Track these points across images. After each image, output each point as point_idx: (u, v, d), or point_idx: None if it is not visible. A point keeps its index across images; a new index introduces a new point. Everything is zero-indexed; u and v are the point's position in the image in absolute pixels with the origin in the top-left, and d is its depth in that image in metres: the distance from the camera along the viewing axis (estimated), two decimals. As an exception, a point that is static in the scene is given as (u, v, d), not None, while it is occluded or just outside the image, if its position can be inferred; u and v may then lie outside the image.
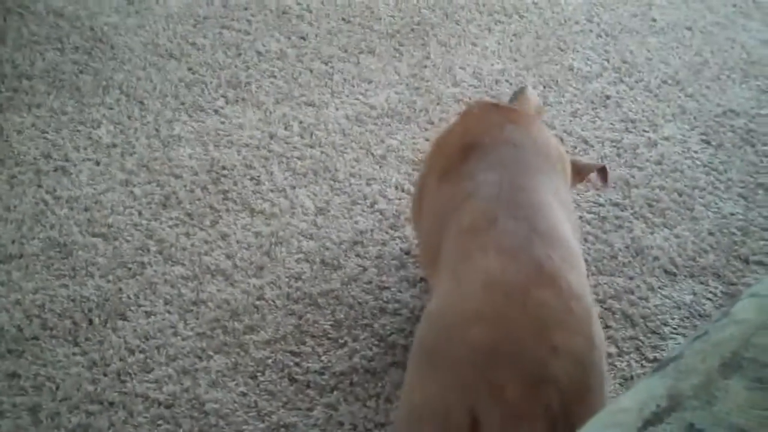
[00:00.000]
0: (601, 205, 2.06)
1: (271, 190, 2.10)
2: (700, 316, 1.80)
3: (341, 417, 1.60)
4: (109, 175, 2.14)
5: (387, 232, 1.99)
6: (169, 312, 1.80)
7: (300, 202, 2.06)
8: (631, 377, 1.68)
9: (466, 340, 1.13)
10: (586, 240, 1.96)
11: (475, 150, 1.48)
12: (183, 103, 2.39)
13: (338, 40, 2.67)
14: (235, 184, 2.12)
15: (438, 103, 2.39)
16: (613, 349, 1.72)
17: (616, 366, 1.69)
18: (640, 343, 1.73)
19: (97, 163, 2.18)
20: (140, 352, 1.72)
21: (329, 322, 1.78)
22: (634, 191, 2.10)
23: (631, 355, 1.71)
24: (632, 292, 1.84)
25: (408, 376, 1.25)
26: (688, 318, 1.79)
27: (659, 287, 1.86)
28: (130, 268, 1.90)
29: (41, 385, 1.66)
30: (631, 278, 1.88)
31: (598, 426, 0.74)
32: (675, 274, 1.89)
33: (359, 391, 1.65)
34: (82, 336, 1.75)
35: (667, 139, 2.28)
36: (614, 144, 2.25)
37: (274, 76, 2.50)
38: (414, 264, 1.90)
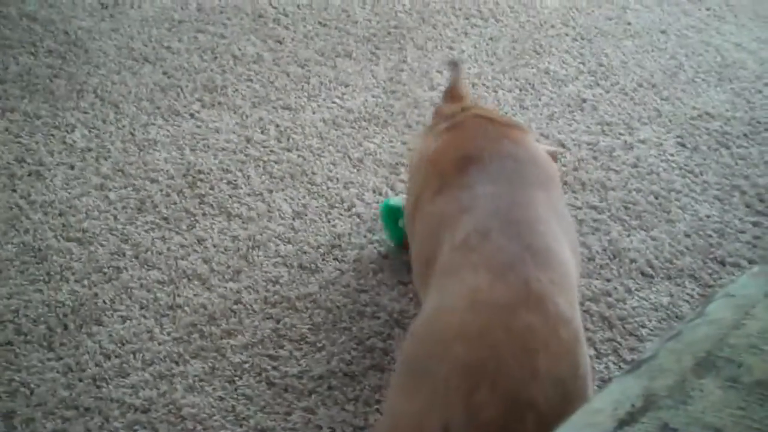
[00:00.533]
0: (578, 207, 2.06)
1: (248, 194, 2.09)
2: (677, 317, 1.81)
3: (320, 421, 1.59)
4: (84, 179, 2.13)
5: (365, 236, 1.98)
6: (145, 317, 1.79)
7: (277, 206, 2.05)
8: (609, 379, 1.68)
9: (448, 358, 1.12)
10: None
11: (472, 164, 1.45)
12: (158, 107, 2.38)
13: (315, 43, 2.67)
14: (212, 188, 2.11)
15: (415, 107, 2.39)
16: (591, 352, 1.72)
17: (594, 368, 1.69)
18: (618, 345, 1.74)
19: (72, 168, 2.16)
20: (116, 357, 1.71)
21: (307, 326, 1.78)
22: (610, 194, 2.11)
23: (609, 357, 1.72)
24: (609, 294, 1.85)
25: (390, 388, 1.24)
26: (665, 320, 1.80)
27: (636, 289, 1.87)
28: (105, 273, 1.88)
29: (15, 391, 1.64)
30: (608, 280, 1.88)
31: (572, 427, 0.74)
32: (652, 276, 1.90)
33: (337, 394, 1.64)
34: (57, 341, 1.74)
35: (643, 142, 2.29)
36: (590, 147, 2.26)
37: (251, 80, 2.50)
38: (391, 268, 1.90)
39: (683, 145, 2.28)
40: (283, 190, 2.11)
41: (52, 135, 2.27)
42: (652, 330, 1.77)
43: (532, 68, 2.58)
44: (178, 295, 1.83)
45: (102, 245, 1.95)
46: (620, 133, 2.32)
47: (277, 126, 2.31)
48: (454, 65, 1.85)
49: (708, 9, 2.90)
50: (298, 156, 2.21)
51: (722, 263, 1.93)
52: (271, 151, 2.23)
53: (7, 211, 2.03)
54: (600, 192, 2.11)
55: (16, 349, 1.72)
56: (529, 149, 1.52)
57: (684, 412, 0.69)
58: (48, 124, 2.30)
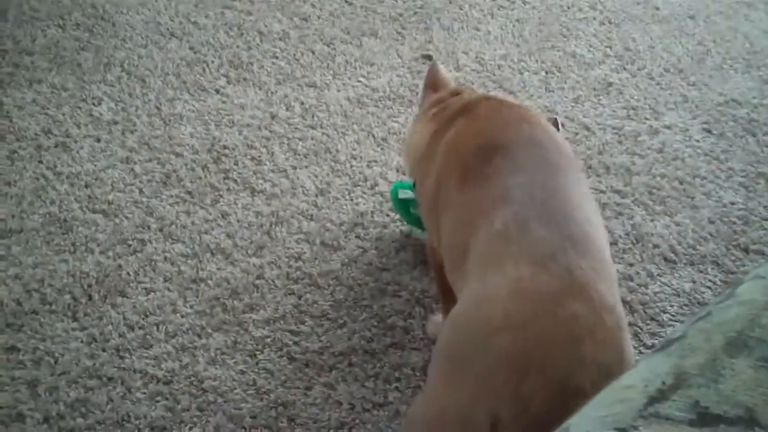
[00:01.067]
0: (602, 191, 2.06)
1: (272, 171, 2.10)
2: (699, 303, 1.80)
3: (339, 396, 1.60)
4: (109, 152, 2.14)
5: (387, 215, 1.98)
6: (168, 289, 1.80)
7: (301, 183, 2.06)
8: (629, 363, 1.68)
9: (494, 348, 1.12)
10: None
11: (497, 152, 1.42)
12: (184, 82, 2.38)
13: (341, 22, 2.67)
14: (236, 163, 2.12)
15: (440, 87, 2.39)
16: (611, 335, 1.72)
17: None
18: (639, 330, 1.74)
19: (98, 140, 2.17)
20: (139, 328, 1.72)
21: (328, 303, 1.79)
22: (635, 178, 2.10)
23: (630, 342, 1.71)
24: (632, 279, 1.85)
25: (431, 378, 1.25)
26: (687, 305, 1.79)
27: (659, 274, 1.86)
28: (130, 245, 1.90)
29: (40, 359, 1.66)
30: (630, 265, 1.88)
31: (602, 404, 0.74)
32: (675, 262, 1.89)
33: (357, 371, 1.65)
34: (82, 311, 1.75)
35: (668, 127, 2.28)
36: (616, 131, 2.25)
37: (276, 57, 2.50)
38: (413, 247, 1.90)
39: (709, 132, 2.27)
40: (306, 167, 2.11)
41: (79, 107, 2.28)
42: (673, 315, 1.77)
43: (559, 51, 2.57)
44: (202, 269, 1.84)
45: (127, 218, 1.96)
46: (646, 118, 2.31)
47: (302, 103, 2.32)
48: (428, 58, 1.83)
49: (737, -5, 2.88)
50: (323, 134, 2.21)
51: (746, 250, 1.92)
52: (296, 128, 2.23)
53: (33, 182, 2.04)
54: (624, 176, 2.11)
55: (41, 318, 1.73)
56: (546, 130, 1.51)
57: (715, 391, 0.69)
58: (75, 96, 2.31)
